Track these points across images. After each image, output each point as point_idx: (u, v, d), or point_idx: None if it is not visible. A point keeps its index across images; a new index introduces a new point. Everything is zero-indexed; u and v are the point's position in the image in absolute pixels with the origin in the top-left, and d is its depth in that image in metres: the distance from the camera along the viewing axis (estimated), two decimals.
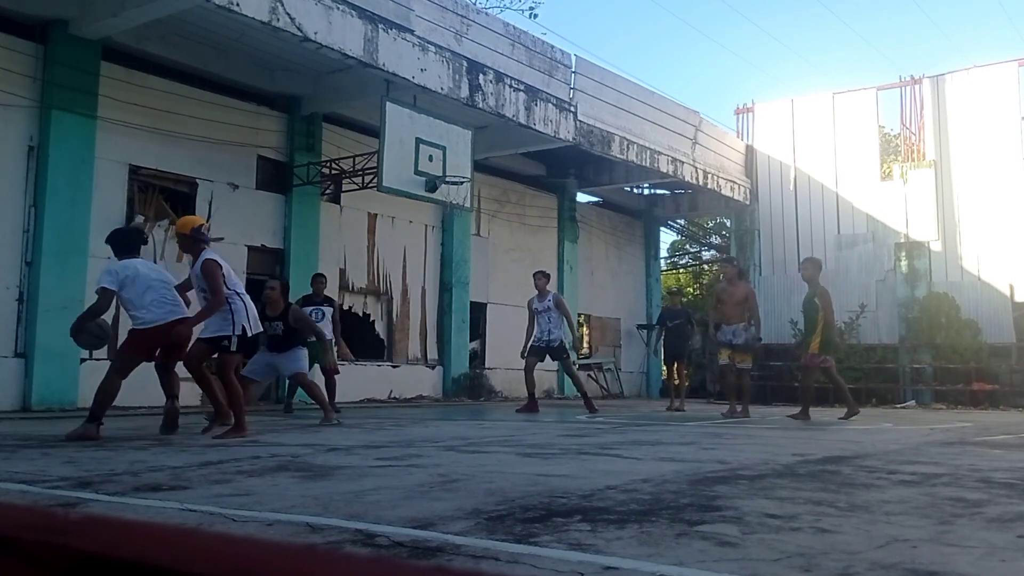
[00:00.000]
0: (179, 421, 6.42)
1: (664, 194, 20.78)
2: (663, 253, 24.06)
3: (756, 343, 10.58)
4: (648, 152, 15.63)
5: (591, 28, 69.43)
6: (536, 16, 33.71)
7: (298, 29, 9.53)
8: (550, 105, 13.27)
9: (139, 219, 10.51)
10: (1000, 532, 2.58)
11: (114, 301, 6.16)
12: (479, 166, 13.22)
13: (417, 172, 11.21)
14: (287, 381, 9.91)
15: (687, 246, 27.54)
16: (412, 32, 11.06)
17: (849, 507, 3.02)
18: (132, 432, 6.40)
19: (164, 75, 10.85)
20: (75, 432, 5.75)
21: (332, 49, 10.04)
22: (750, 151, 19.05)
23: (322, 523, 2.62)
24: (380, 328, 14.12)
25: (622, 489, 3.41)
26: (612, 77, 15.19)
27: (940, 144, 16.88)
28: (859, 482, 3.81)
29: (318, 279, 10.24)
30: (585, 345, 19.20)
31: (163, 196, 10.94)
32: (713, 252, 26.52)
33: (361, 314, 13.80)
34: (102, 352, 9.93)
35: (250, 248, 11.81)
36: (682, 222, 23.58)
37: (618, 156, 15.06)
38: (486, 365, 15.67)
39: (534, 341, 10.62)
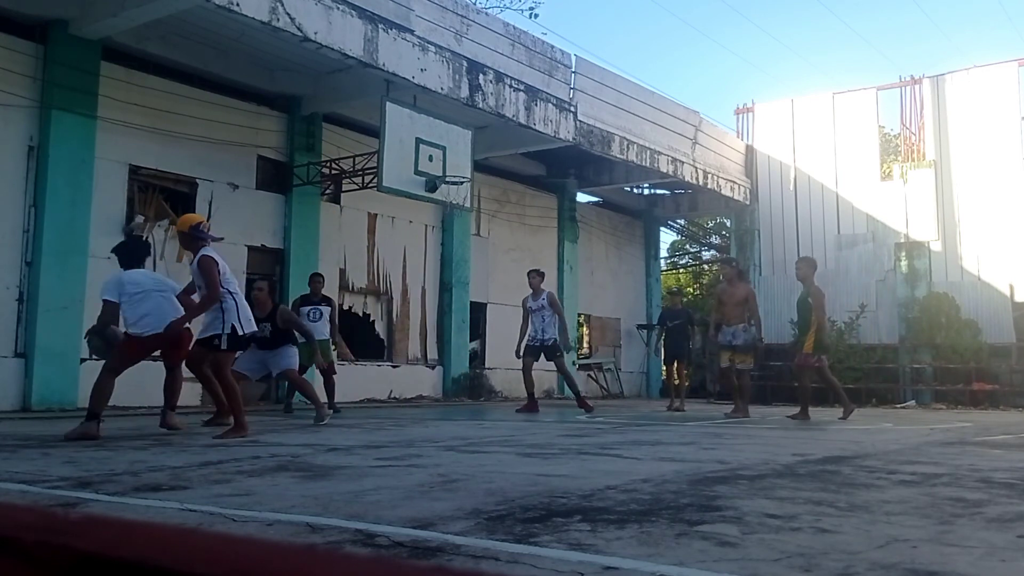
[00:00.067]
0: (176, 423, 6.46)
1: (664, 194, 20.78)
2: (663, 253, 24.09)
3: (758, 343, 10.58)
4: (648, 152, 15.63)
5: (591, 28, 69.47)
6: (536, 16, 33.73)
7: (298, 29, 9.53)
8: (550, 105, 13.28)
9: (139, 219, 10.51)
10: (1000, 532, 2.58)
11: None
12: (479, 166, 13.22)
13: (417, 172, 11.21)
14: (287, 382, 9.91)
15: (687, 246, 27.54)
16: (412, 32, 11.07)
17: (849, 507, 3.02)
18: (132, 432, 6.40)
19: (164, 75, 10.84)
20: (75, 431, 5.77)
21: (332, 49, 10.04)
22: (750, 151, 19.05)
23: (322, 523, 2.62)
24: (380, 328, 14.12)
25: (622, 489, 3.41)
26: (612, 77, 15.19)
27: (940, 144, 16.89)
28: (859, 482, 3.81)
29: (316, 279, 10.24)
30: (585, 345, 19.21)
31: (163, 196, 10.94)
32: (713, 252, 26.53)
33: (361, 314, 13.80)
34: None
35: (250, 248, 11.81)
36: (682, 222, 23.58)
37: (618, 156, 15.06)
38: (486, 365, 15.67)
39: (528, 340, 10.60)
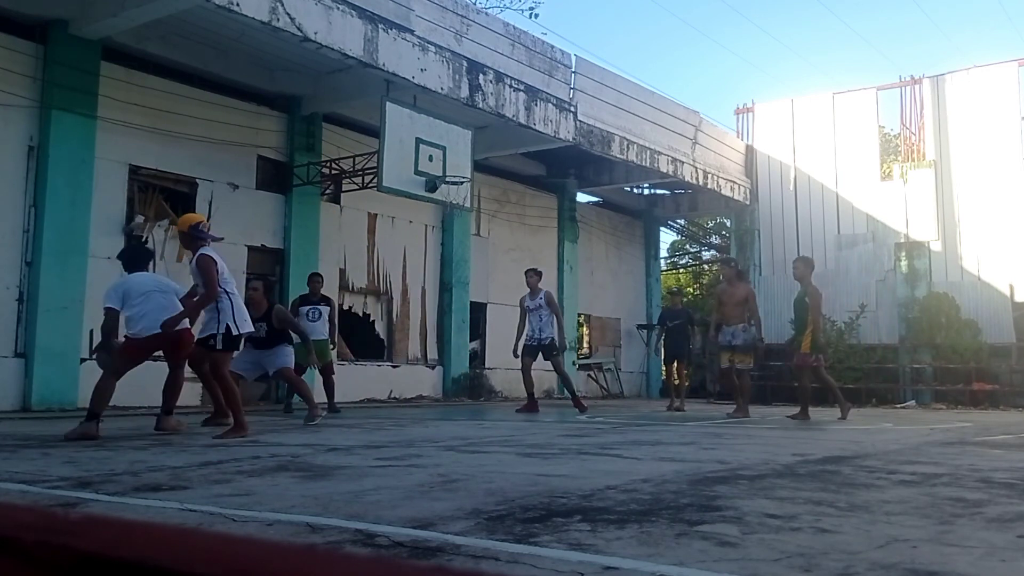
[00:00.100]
0: (173, 425, 6.48)
1: (664, 194, 20.78)
2: (663, 253, 24.09)
3: (758, 343, 10.58)
4: (648, 152, 15.63)
5: (591, 28, 69.46)
6: (536, 16, 33.74)
7: (298, 29, 9.53)
8: (550, 105, 13.28)
9: (139, 219, 10.51)
10: (1000, 532, 2.58)
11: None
12: (479, 166, 13.22)
13: (417, 172, 11.21)
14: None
15: (687, 246, 27.55)
16: (412, 32, 11.07)
17: (849, 507, 3.02)
18: (132, 432, 6.40)
19: (164, 75, 10.85)
20: (74, 431, 5.78)
21: (332, 49, 10.04)
22: (750, 151, 19.05)
23: (322, 523, 2.62)
24: (380, 328, 14.12)
25: (622, 489, 3.41)
26: (612, 77, 15.19)
27: (940, 144, 16.89)
28: (859, 482, 3.81)
29: (314, 279, 10.23)
30: (585, 345, 19.21)
31: (163, 196, 10.94)
32: (713, 252, 26.53)
33: (361, 314, 13.80)
34: None
35: (250, 248, 11.81)
36: (682, 222, 23.58)
37: (618, 156, 15.06)
38: (486, 365, 15.67)
39: (526, 340, 10.60)
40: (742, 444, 6.14)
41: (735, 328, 10.27)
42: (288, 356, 8.25)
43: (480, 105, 11.99)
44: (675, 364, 12.59)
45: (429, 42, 11.30)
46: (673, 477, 3.87)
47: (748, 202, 18.77)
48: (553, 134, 13.40)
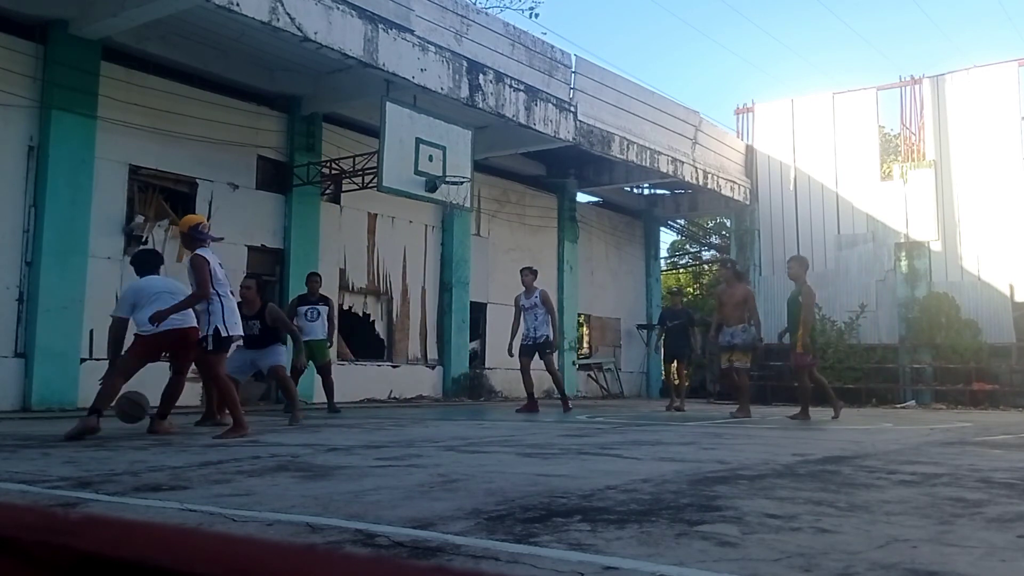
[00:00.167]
0: (167, 428, 6.50)
1: (664, 194, 20.78)
2: (663, 253, 24.09)
3: (757, 343, 10.58)
4: (648, 152, 15.63)
5: (591, 28, 69.47)
6: (536, 16, 33.76)
7: (298, 29, 9.54)
8: (550, 105, 13.28)
9: (139, 219, 10.51)
10: (1000, 532, 2.58)
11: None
12: (479, 166, 13.22)
13: (417, 172, 11.22)
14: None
15: (687, 246, 27.55)
16: (412, 32, 11.07)
17: (849, 507, 3.02)
18: (132, 432, 6.40)
19: (164, 75, 10.85)
20: (75, 428, 5.80)
21: (332, 49, 10.04)
22: (750, 151, 19.05)
23: (322, 523, 2.62)
24: (380, 328, 14.12)
25: (622, 489, 3.41)
26: (612, 77, 15.19)
27: (940, 144, 16.89)
28: (859, 482, 3.81)
29: (313, 278, 10.22)
30: (585, 345, 19.21)
31: (163, 196, 10.94)
32: (713, 252, 26.54)
33: (361, 314, 13.80)
34: (102, 352, 9.95)
35: (250, 248, 11.81)
36: (682, 222, 23.58)
37: (618, 156, 15.06)
38: (486, 365, 15.67)
39: (522, 339, 10.60)
40: (742, 444, 6.14)
41: (735, 329, 10.29)
42: (281, 355, 8.24)
43: (480, 105, 11.99)
44: (674, 364, 12.60)
45: (429, 42, 11.30)
46: (673, 477, 3.87)
47: (748, 202, 18.77)
48: (553, 134, 13.40)
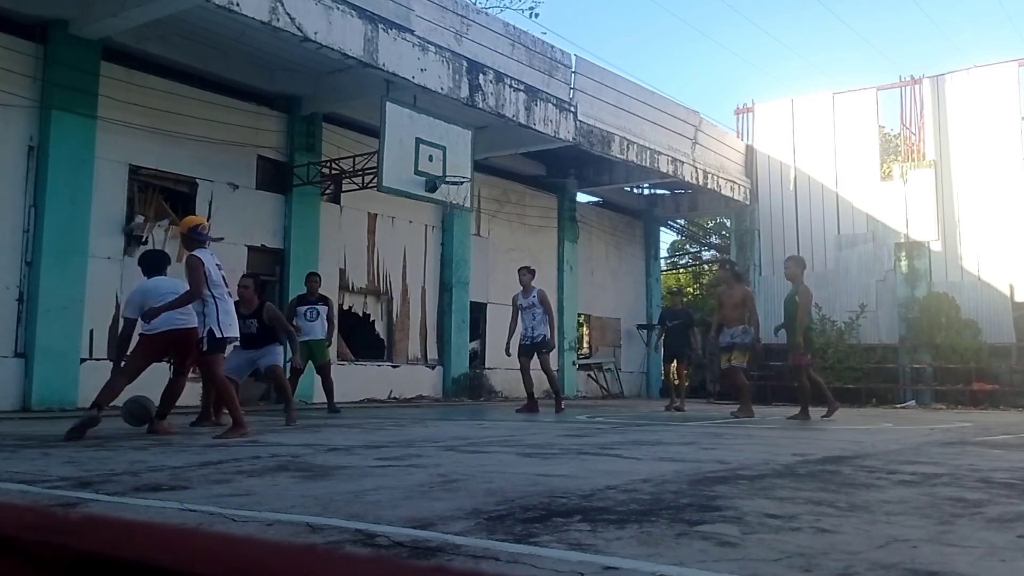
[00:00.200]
0: (166, 428, 6.52)
1: (664, 194, 20.78)
2: (663, 253, 24.09)
3: (755, 344, 10.60)
4: (648, 152, 15.63)
5: (591, 28, 69.47)
6: (536, 16, 33.78)
7: (298, 29, 9.54)
8: (550, 105, 13.28)
9: (139, 219, 10.51)
10: (1000, 532, 2.58)
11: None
12: (479, 166, 13.22)
13: (417, 172, 11.22)
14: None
15: (687, 246, 27.56)
16: (412, 32, 11.07)
17: (849, 507, 3.02)
18: (132, 432, 6.40)
19: (164, 75, 10.85)
20: (76, 424, 5.84)
21: (332, 49, 10.04)
22: (750, 151, 19.05)
23: (322, 523, 2.62)
24: (380, 328, 14.12)
25: (622, 489, 3.41)
26: (612, 77, 15.20)
27: (940, 144, 16.89)
28: (859, 482, 3.81)
29: (312, 278, 10.21)
30: (585, 345, 19.21)
31: (163, 196, 10.95)
32: (713, 252, 26.54)
33: (361, 314, 13.80)
34: (102, 352, 9.98)
35: (250, 248, 11.81)
36: (682, 222, 23.58)
37: (618, 156, 15.07)
38: (486, 365, 15.67)
39: (521, 339, 10.59)
40: (742, 444, 6.14)
41: (735, 330, 10.33)
42: (278, 355, 8.24)
43: (480, 105, 11.99)
44: (674, 364, 12.60)
45: (429, 42, 11.30)
46: (673, 477, 3.87)
47: (748, 202, 18.77)
48: (553, 134, 13.40)
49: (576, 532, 2.48)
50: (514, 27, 13.18)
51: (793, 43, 66.02)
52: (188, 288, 6.19)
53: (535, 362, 10.50)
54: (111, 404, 6.20)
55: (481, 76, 12.05)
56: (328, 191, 12.92)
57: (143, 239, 10.53)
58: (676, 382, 12.50)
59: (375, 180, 11.08)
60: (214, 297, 6.18)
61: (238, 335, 6.69)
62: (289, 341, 8.60)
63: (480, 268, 15.58)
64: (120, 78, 10.34)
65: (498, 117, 12.44)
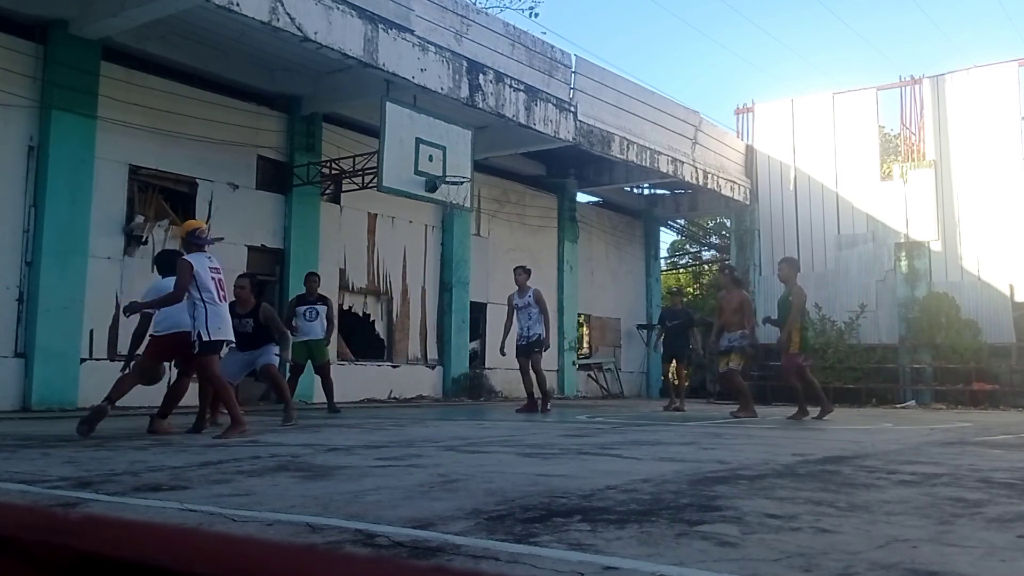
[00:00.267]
0: (166, 428, 6.57)
1: (664, 194, 20.78)
2: (663, 253, 24.09)
3: (751, 347, 10.65)
4: (648, 152, 15.63)
5: (591, 28, 69.47)
6: (536, 16, 33.78)
7: (298, 29, 9.53)
8: (550, 105, 13.28)
9: (139, 219, 10.51)
10: (1000, 532, 2.58)
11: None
12: (479, 166, 13.22)
13: (417, 172, 11.22)
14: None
15: (687, 246, 27.56)
16: (412, 32, 11.07)
17: (849, 507, 3.02)
18: (132, 432, 6.41)
19: (164, 75, 10.85)
20: (85, 417, 6.03)
21: (332, 49, 10.04)
22: (750, 151, 19.05)
23: (322, 523, 2.62)
24: (380, 328, 14.12)
25: (622, 489, 3.41)
26: (612, 77, 15.19)
27: (940, 144, 16.88)
28: (859, 482, 3.81)
29: (311, 278, 10.20)
30: (585, 345, 19.21)
31: (163, 196, 10.95)
32: (713, 252, 26.55)
33: (361, 314, 13.80)
34: (102, 352, 9.98)
35: (250, 248, 11.81)
36: (682, 222, 23.58)
37: (618, 156, 15.07)
38: (486, 365, 15.67)
39: (517, 339, 10.57)
40: (742, 444, 6.14)
41: (733, 334, 10.45)
42: (274, 353, 8.24)
43: (480, 105, 11.99)
44: (673, 364, 12.60)
45: (429, 42, 11.30)
46: (673, 477, 3.87)
47: (748, 202, 18.77)
48: (553, 134, 13.40)
49: (576, 532, 2.48)
50: (514, 27, 13.19)
51: (793, 43, 66.03)
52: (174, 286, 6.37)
53: (545, 364, 10.46)
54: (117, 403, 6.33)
55: (481, 76, 12.05)
56: (328, 191, 12.92)
57: (143, 239, 10.53)
58: (675, 382, 12.50)
59: (375, 180, 11.08)
60: (203, 301, 6.28)
61: (231, 338, 6.73)
62: (280, 340, 8.58)
63: (480, 268, 15.58)
64: (120, 78, 10.34)
65: (498, 117, 12.44)
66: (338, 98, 12.21)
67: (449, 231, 14.94)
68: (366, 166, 11.75)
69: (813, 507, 2.99)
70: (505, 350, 10.59)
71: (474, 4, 14.19)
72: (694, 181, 17.14)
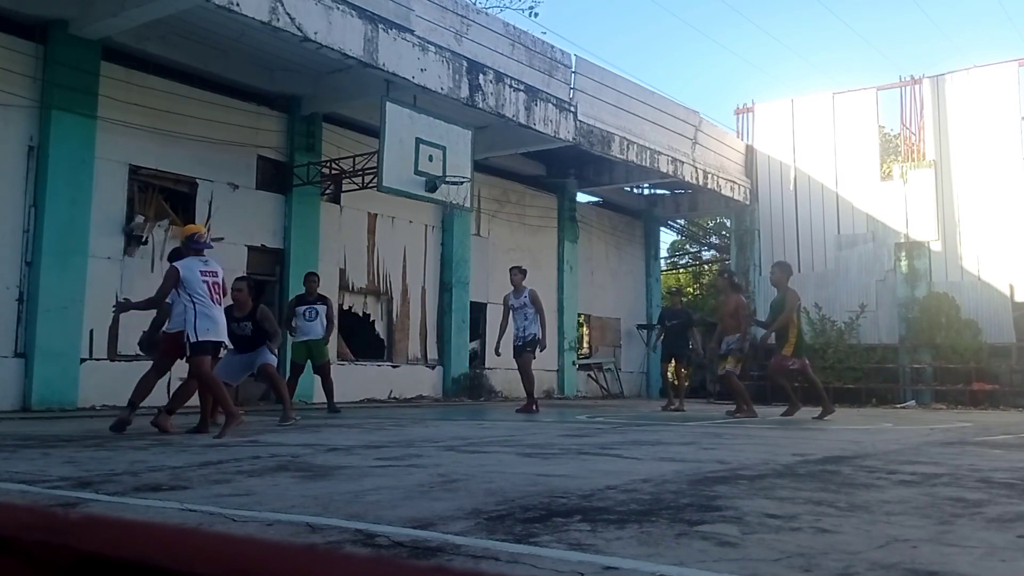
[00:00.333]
0: (167, 427, 6.65)
1: (664, 194, 20.78)
2: (663, 253, 24.08)
3: (740, 353, 10.70)
4: (648, 152, 15.63)
5: (591, 28, 69.48)
6: (536, 16, 33.78)
7: (298, 29, 9.53)
8: (550, 105, 13.27)
9: (139, 219, 10.51)
10: (1000, 532, 2.58)
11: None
12: (479, 166, 13.21)
13: (417, 172, 11.21)
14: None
15: (687, 246, 27.56)
16: (412, 32, 11.06)
17: (849, 507, 3.02)
18: (132, 432, 6.41)
19: (164, 75, 10.84)
20: (115, 422, 6.35)
21: (332, 49, 10.04)
22: (750, 151, 19.05)
23: (322, 523, 2.62)
24: (380, 328, 14.12)
25: (622, 489, 3.41)
26: (612, 77, 15.19)
27: (940, 144, 16.88)
28: (859, 482, 3.81)
29: (310, 278, 10.19)
30: (585, 345, 19.21)
31: (163, 196, 10.94)
32: (713, 252, 26.54)
33: (361, 314, 13.80)
34: (102, 351, 9.99)
35: (250, 248, 11.81)
36: (682, 222, 23.58)
37: (618, 156, 15.06)
38: (486, 365, 15.67)
39: (514, 340, 10.56)
40: (742, 444, 6.14)
41: (731, 338, 10.56)
42: (271, 355, 8.24)
43: (480, 105, 11.99)
44: (672, 363, 12.60)
45: (429, 42, 11.30)
46: (673, 477, 3.87)
47: (748, 202, 18.77)
48: (553, 134, 13.39)
49: (576, 532, 2.48)
50: (514, 27, 13.18)
51: (793, 43, 66.02)
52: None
53: (536, 363, 10.47)
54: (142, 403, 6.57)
55: (481, 76, 12.05)
56: (328, 191, 12.91)
57: (143, 239, 10.53)
58: (675, 382, 12.50)
59: (375, 180, 11.07)
60: (193, 303, 6.43)
61: (222, 339, 6.76)
62: (271, 337, 8.59)
63: (480, 268, 15.58)
64: (120, 78, 10.34)
65: (498, 117, 12.43)
66: (338, 98, 12.21)
67: (449, 231, 14.94)
68: (366, 166, 11.75)
69: (813, 507, 2.99)
70: (500, 350, 10.60)
71: (474, 4, 14.19)
72: (694, 181, 17.14)
